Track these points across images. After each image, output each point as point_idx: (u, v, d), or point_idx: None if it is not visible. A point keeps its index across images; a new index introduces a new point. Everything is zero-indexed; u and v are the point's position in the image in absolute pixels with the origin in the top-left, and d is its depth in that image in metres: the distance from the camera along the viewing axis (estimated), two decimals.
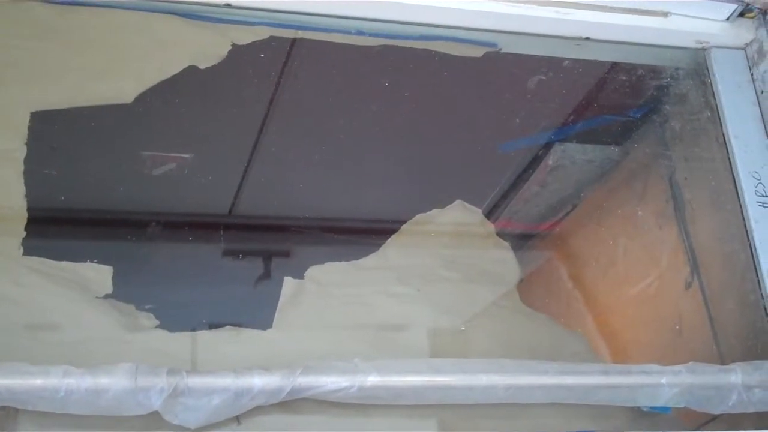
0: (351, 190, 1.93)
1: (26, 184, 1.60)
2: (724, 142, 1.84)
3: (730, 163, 1.82)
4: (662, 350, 1.84)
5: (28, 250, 1.56)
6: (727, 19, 1.93)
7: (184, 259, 1.77)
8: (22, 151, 1.62)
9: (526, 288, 1.85)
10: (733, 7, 1.90)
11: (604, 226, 2.00)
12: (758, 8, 1.90)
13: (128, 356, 1.30)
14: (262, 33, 1.80)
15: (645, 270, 1.92)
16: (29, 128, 1.64)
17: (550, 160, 1.99)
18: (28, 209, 1.59)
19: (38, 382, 1.23)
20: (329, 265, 1.74)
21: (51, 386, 1.23)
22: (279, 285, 1.69)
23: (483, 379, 1.42)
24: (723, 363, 1.57)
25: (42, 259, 1.56)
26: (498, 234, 1.90)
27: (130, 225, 1.75)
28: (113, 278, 1.59)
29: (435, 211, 1.86)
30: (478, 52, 1.90)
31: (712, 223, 1.84)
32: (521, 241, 1.97)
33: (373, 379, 1.36)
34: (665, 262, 1.90)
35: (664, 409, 1.55)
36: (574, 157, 2.00)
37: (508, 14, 1.85)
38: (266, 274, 1.76)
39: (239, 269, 1.78)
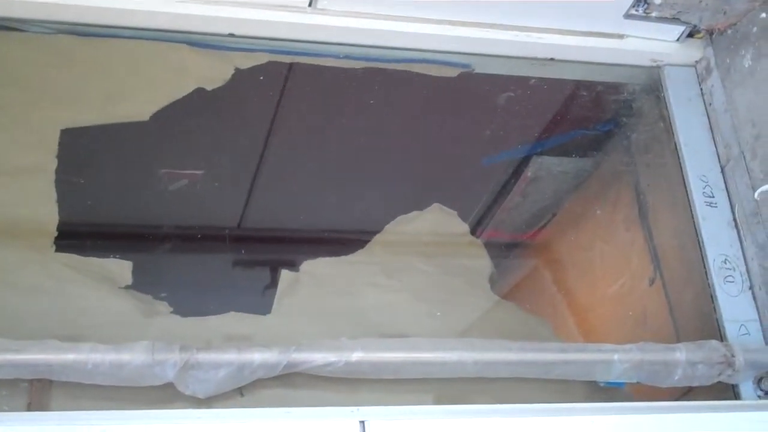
0: (342, 200, 2.01)
1: (57, 192, 1.73)
2: (675, 150, 1.96)
3: (680, 168, 1.93)
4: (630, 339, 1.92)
5: (60, 247, 1.68)
6: (678, 39, 2.03)
7: (196, 262, 1.88)
8: (53, 164, 1.74)
9: (514, 294, 1.94)
10: (682, 28, 2.00)
11: (582, 231, 2.09)
12: (705, 29, 2.00)
13: (146, 336, 1.43)
14: (262, 58, 1.91)
15: (618, 271, 2.01)
16: (59, 144, 1.76)
17: (530, 173, 2.07)
18: (59, 214, 1.71)
19: (70, 356, 1.38)
20: (322, 260, 1.84)
21: (80, 360, 1.38)
22: (277, 277, 1.79)
23: (454, 356, 1.54)
24: None
25: (71, 255, 1.68)
26: (486, 244, 1.98)
27: (149, 237, 1.84)
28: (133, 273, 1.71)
29: (414, 213, 1.95)
30: (453, 73, 1.99)
31: (670, 223, 1.94)
32: (507, 249, 2.06)
33: (358, 355, 1.49)
34: (634, 263, 1.99)
35: (619, 384, 1.66)
36: (550, 168, 2.08)
37: (480, 38, 1.94)
38: (267, 269, 1.86)
39: (243, 263, 1.89)
